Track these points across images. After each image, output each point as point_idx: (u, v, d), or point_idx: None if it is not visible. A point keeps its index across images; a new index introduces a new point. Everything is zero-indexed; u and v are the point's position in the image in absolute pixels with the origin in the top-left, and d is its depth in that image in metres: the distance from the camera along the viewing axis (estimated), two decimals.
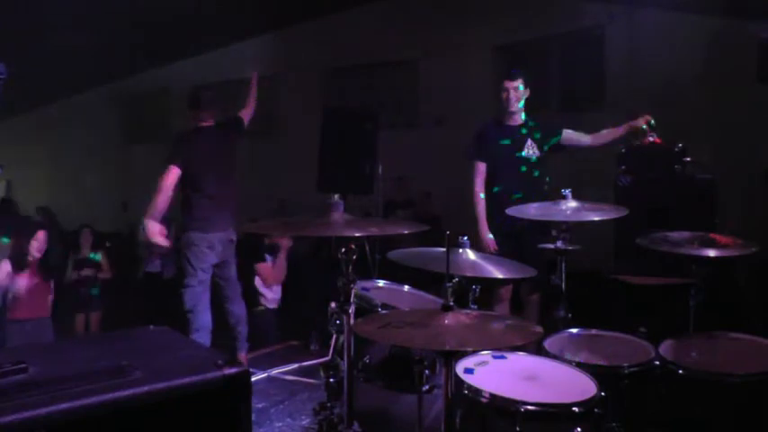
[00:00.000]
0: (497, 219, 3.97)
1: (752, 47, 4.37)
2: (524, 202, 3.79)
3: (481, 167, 4.15)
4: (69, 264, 6.63)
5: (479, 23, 7.04)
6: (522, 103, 4.10)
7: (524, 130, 4.11)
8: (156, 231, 4.05)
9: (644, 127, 3.82)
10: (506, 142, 4.09)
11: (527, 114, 4.15)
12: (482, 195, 4.11)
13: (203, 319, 4.15)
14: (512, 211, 3.15)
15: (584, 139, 4.15)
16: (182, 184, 4.10)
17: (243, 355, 4.34)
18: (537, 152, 4.08)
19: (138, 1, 6.59)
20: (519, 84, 4.06)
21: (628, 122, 3.92)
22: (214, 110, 4.33)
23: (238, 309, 4.38)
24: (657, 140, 4.45)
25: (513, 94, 4.06)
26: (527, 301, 4.05)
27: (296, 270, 5.97)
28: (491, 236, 4.04)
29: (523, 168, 4.05)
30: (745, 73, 4.54)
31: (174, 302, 4.57)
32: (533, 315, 3.96)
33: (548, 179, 4.11)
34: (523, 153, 4.06)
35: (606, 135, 4.08)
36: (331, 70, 8.69)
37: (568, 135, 4.15)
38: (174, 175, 4.05)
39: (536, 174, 4.07)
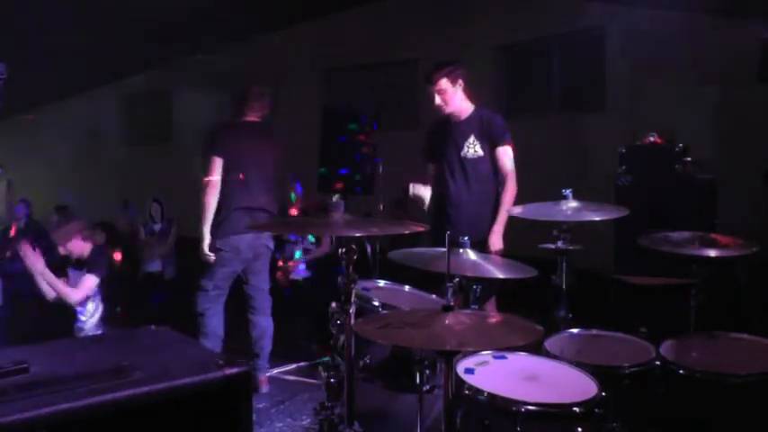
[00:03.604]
0: (443, 226, 3.63)
1: (752, 47, 4.37)
2: (470, 205, 3.75)
3: (430, 168, 3.95)
4: None
5: (479, 23, 7.04)
6: (458, 97, 3.76)
7: (467, 127, 3.77)
8: (208, 249, 3.91)
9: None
10: (449, 141, 3.80)
11: (485, 106, 3.86)
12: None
13: (213, 324, 3.99)
14: (513, 211, 3.14)
15: (505, 173, 3.74)
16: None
17: (262, 378, 4.14)
18: (479, 152, 3.73)
19: (138, 1, 6.59)
20: (441, 85, 3.70)
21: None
22: (260, 106, 4.12)
23: (264, 321, 4.15)
24: (658, 140, 4.46)
25: (439, 98, 3.72)
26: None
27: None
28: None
29: (466, 169, 3.76)
30: (745, 73, 4.53)
31: (175, 302, 4.56)
32: None
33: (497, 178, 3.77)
34: (462, 153, 3.76)
35: (504, 203, 3.71)
36: (331, 70, 8.69)
37: (500, 154, 3.75)
38: (218, 166, 3.88)
39: (480, 173, 3.76)
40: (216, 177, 3.88)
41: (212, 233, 3.91)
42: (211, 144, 3.94)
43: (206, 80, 9.60)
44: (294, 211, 5.95)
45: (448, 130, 3.83)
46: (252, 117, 4.10)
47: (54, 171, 11.25)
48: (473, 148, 3.75)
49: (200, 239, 3.91)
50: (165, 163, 10.10)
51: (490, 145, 3.75)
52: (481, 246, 3.55)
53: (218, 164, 3.88)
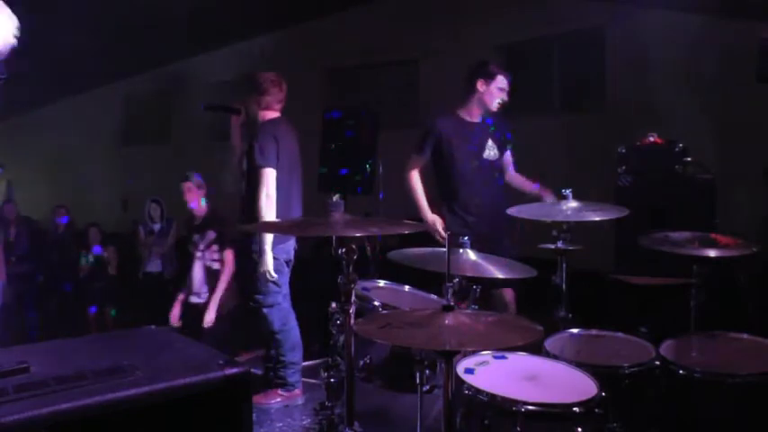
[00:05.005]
0: (458, 229, 3.71)
1: (752, 47, 4.37)
2: (486, 210, 3.78)
3: (421, 161, 3.92)
4: (81, 260, 7.10)
5: (479, 23, 7.04)
6: None
7: (486, 129, 3.85)
8: (270, 269, 3.57)
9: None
10: (468, 142, 3.82)
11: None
12: (416, 175, 3.91)
13: (296, 335, 3.81)
14: (512, 211, 3.14)
15: (510, 169, 3.98)
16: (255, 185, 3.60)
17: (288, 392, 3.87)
18: (498, 154, 3.85)
19: (138, 1, 6.59)
20: None
21: (545, 189, 3.77)
22: (281, 95, 3.82)
23: None
24: (658, 140, 4.46)
25: (505, 97, 3.83)
26: (500, 302, 3.74)
27: (296, 270, 5.98)
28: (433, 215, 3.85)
29: (487, 171, 3.83)
30: (745, 73, 4.53)
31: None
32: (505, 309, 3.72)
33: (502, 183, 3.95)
34: (484, 155, 3.81)
35: (521, 182, 3.94)
36: (331, 70, 8.69)
37: (509, 157, 3.98)
38: (273, 178, 3.56)
39: (497, 175, 3.88)
40: (273, 190, 3.57)
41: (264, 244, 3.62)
42: (262, 154, 3.58)
43: (206, 80, 9.61)
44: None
45: (463, 131, 3.84)
46: (275, 108, 3.81)
47: (54, 171, 11.25)
48: (493, 151, 3.85)
49: (261, 258, 3.56)
50: (164, 163, 10.11)
51: (504, 148, 3.91)
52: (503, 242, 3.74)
53: (273, 176, 3.57)
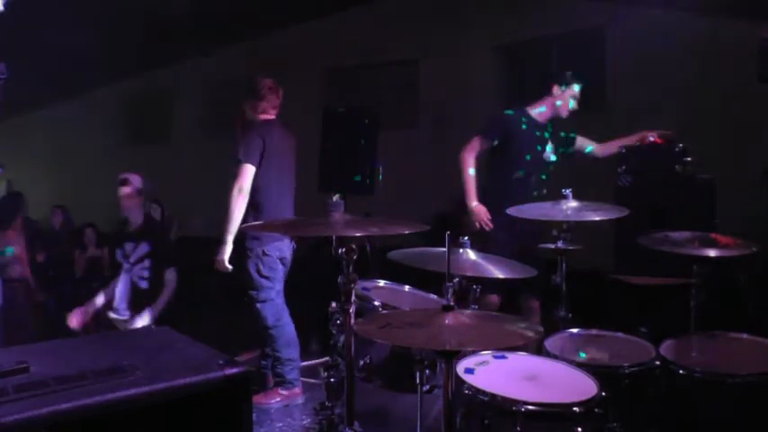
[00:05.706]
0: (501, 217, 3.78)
1: (752, 47, 4.36)
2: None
3: (483, 144, 3.94)
4: (77, 261, 7.17)
5: (479, 23, 7.04)
6: None
7: (547, 132, 3.99)
8: (226, 259, 3.66)
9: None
10: (533, 142, 3.93)
11: None
12: (472, 160, 3.90)
13: (290, 331, 3.86)
14: (512, 210, 3.14)
15: (595, 149, 4.13)
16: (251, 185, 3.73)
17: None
18: (554, 157, 4.00)
19: (138, 1, 6.59)
20: None
21: (639, 133, 3.99)
22: (276, 101, 3.96)
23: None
24: (658, 140, 4.46)
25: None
26: (525, 308, 3.88)
27: (296, 269, 5.98)
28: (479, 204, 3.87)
29: (545, 172, 3.97)
30: (745, 73, 4.53)
31: (176, 304, 4.50)
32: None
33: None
34: (544, 156, 3.95)
35: (613, 145, 4.06)
36: (331, 70, 8.69)
37: (579, 143, 4.13)
38: (250, 174, 3.68)
39: (543, 178, 3.97)
40: (247, 185, 3.69)
41: (256, 241, 3.73)
42: (245, 150, 3.72)
43: (206, 80, 9.62)
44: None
45: (530, 129, 3.92)
46: (270, 113, 3.93)
47: (54, 171, 11.26)
48: (551, 153, 3.98)
49: (221, 247, 3.67)
50: (164, 163, 10.11)
51: (565, 150, 4.07)
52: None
53: (250, 172, 3.70)
